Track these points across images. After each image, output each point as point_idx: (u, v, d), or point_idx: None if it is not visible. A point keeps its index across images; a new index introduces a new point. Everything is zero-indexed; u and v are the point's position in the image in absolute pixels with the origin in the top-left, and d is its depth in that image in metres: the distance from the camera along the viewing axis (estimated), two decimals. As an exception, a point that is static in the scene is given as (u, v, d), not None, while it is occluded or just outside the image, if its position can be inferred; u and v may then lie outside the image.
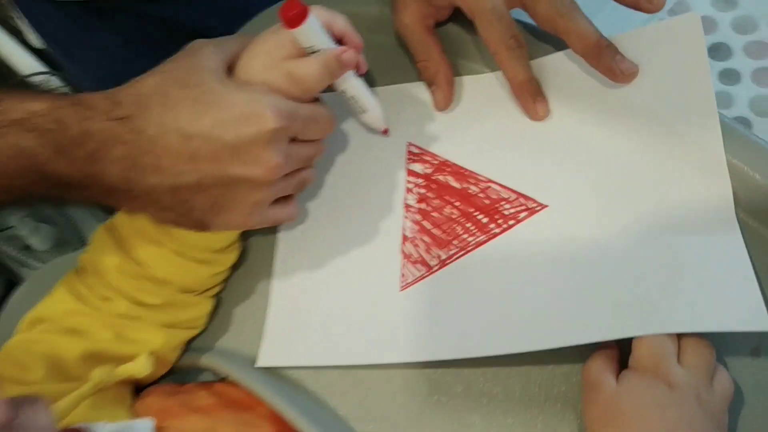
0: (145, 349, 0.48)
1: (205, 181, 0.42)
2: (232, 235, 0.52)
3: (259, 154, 0.42)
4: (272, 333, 0.51)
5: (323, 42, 0.45)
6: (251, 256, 0.55)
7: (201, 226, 0.45)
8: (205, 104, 0.41)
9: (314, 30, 0.45)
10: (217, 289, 0.53)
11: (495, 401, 0.45)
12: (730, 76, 0.88)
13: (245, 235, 0.55)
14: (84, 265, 0.50)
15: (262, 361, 0.49)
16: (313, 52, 0.45)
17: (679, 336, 0.41)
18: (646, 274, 0.44)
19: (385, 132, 0.55)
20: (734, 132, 0.47)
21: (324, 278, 0.52)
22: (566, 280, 0.46)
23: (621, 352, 0.43)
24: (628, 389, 0.40)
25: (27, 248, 1.20)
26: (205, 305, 0.52)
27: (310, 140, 0.47)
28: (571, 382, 0.45)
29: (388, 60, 0.58)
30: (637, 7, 0.48)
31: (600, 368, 0.42)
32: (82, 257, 0.50)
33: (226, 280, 0.54)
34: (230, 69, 0.46)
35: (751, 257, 0.44)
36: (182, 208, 0.44)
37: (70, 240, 1.23)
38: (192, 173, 0.42)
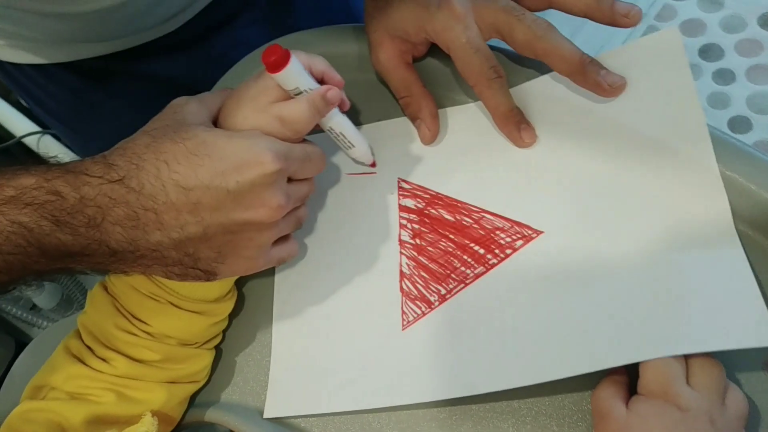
0: (147, 408, 0.47)
1: (209, 230, 0.42)
2: (227, 284, 0.52)
3: (262, 197, 0.43)
4: (277, 382, 0.51)
5: (307, 83, 0.46)
6: (250, 304, 0.55)
7: (208, 275, 0.45)
8: (201, 156, 0.41)
9: (297, 72, 0.45)
10: (216, 341, 0.53)
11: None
12: (724, 76, 0.88)
13: (242, 283, 0.55)
14: (82, 327, 0.50)
15: (270, 412, 0.49)
16: (298, 94, 0.46)
17: (687, 357, 0.41)
18: (648, 296, 0.43)
19: (373, 164, 0.56)
20: (726, 143, 0.46)
21: (324, 322, 0.51)
22: (568, 307, 0.45)
23: (630, 377, 0.43)
24: (638, 415, 0.40)
25: (34, 307, 1.20)
26: (206, 357, 0.52)
27: (304, 179, 0.48)
28: (582, 410, 0.44)
29: (372, 97, 0.58)
30: (614, 24, 0.48)
31: (609, 395, 0.42)
32: (80, 318, 0.50)
33: (225, 330, 0.54)
34: (214, 123, 0.46)
35: (753, 269, 0.43)
36: (188, 260, 0.43)
37: (76, 297, 1.23)
38: (196, 225, 0.42)
